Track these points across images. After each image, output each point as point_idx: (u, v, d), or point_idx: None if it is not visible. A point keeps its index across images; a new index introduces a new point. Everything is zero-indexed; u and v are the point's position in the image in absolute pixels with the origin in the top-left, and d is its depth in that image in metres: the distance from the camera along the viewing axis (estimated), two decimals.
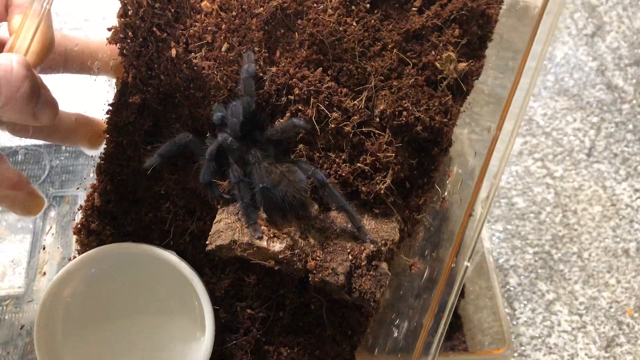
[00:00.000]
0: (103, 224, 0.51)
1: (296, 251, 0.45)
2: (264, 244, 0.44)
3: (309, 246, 0.46)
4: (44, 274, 0.56)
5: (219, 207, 0.48)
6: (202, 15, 0.48)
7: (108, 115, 0.51)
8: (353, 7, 0.48)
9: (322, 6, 0.47)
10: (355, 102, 0.47)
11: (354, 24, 0.47)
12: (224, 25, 0.48)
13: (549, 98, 0.96)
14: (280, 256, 0.45)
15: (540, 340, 0.73)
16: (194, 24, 0.48)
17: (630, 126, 0.93)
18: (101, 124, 0.52)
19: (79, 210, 0.52)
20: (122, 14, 0.48)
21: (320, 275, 0.45)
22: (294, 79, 0.47)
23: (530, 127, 0.92)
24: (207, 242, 0.46)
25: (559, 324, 0.74)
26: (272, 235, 0.45)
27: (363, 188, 0.47)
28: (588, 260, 0.79)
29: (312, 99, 0.47)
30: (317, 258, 0.46)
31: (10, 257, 0.57)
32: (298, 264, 0.45)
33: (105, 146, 0.51)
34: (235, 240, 0.45)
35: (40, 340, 0.47)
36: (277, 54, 0.48)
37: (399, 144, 0.47)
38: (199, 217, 0.50)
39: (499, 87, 0.48)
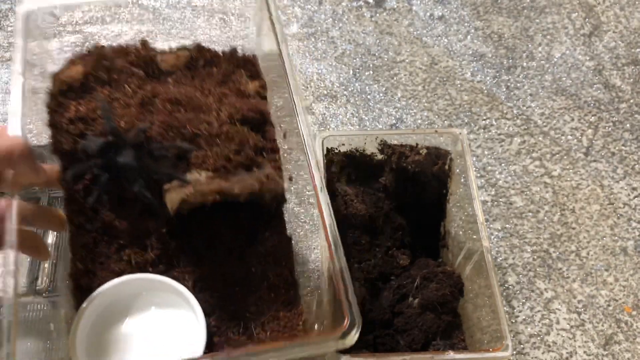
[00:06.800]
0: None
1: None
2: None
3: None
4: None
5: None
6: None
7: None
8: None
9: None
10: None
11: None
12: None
13: (547, 98, 0.96)
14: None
15: (539, 338, 0.73)
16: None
17: (628, 125, 0.94)
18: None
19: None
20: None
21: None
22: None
23: (528, 127, 0.93)
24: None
25: (558, 322, 0.75)
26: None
27: None
28: (586, 259, 0.80)
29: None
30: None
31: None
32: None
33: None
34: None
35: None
36: None
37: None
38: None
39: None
